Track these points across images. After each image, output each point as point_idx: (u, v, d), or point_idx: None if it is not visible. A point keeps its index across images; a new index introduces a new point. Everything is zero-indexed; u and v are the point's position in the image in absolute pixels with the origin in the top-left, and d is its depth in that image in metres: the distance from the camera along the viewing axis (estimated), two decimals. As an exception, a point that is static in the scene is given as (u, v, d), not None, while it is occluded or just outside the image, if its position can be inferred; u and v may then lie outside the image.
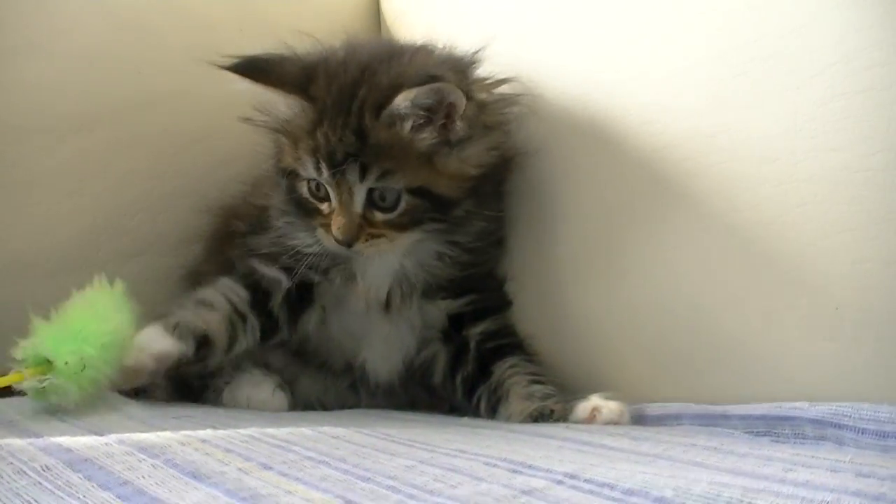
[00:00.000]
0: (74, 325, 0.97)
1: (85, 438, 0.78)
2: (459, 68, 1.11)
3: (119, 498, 0.60)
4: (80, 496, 0.61)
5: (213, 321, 1.12)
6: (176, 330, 1.08)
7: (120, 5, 1.37)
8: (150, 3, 1.40)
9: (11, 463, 0.69)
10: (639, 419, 0.99)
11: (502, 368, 1.11)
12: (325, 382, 1.22)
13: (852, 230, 0.86)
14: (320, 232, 1.10)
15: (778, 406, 0.89)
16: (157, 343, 1.06)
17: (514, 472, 0.68)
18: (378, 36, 1.54)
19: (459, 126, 1.05)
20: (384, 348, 1.18)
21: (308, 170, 1.08)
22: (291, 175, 1.11)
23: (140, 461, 0.69)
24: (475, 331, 1.16)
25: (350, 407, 1.19)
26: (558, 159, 1.16)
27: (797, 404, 0.87)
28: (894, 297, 0.85)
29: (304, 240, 1.13)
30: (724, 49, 0.97)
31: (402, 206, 1.07)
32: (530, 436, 0.87)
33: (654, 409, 0.99)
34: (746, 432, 0.88)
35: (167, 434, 0.81)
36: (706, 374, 0.99)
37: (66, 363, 0.91)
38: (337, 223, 1.07)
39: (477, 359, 1.14)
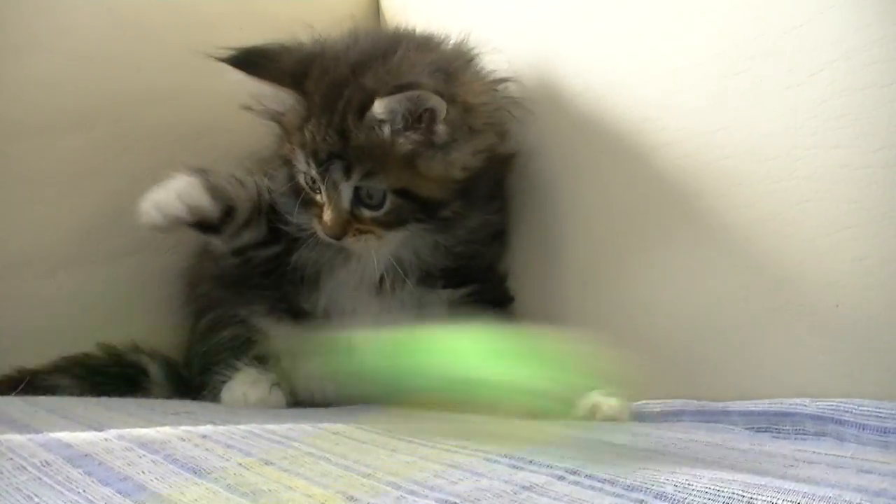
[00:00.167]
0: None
1: (84, 434, 0.78)
2: (450, 69, 1.10)
3: (119, 493, 0.60)
4: (81, 491, 0.61)
5: (242, 198, 1.14)
6: (212, 190, 1.10)
7: (120, 3, 1.37)
8: (150, 1, 1.40)
9: (11, 459, 0.69)
10: (639, 416, 0.99)
11: None
12: (323, 371, 1.21)
13: (852, 227, 0.86)
14: (315, 222, 1.11)
15: (779, 402, 0.88)
16: (197, 197, 1.08)
17: (515, 467, 0.68)
18: (382, 27, 1.53)
19: (442, 130, 1.05)
20: (374, 327, 1.18)
21: (300, 163, 1.09)
22: (289, 163, 1.12)
23: (140, 457, 0.69)
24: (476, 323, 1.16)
25: (348, 397, 1.19)
26: (560, 157, 1.16)
27: (798, 400, 0.87)
28: (894, 295, 0.85)
29: (305, 222, 1.15)
30: (725, 47, 0.96)
31: (388, 205, 1.08)
32: (531, 432, 0.86)
33: (654, 405, 0.99)
34: (747, 429, 0.88)
35: (167, 429, 0.81)
36: (706, 371, 0.99)
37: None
38: (326, 217, 1.08)
39: None
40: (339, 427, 0.85)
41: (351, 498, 0.59)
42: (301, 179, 1.11)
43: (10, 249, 1.28)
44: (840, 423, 0.82)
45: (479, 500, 0.59)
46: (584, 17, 1.14)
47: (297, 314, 1.22)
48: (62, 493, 0.61)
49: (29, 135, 1.29)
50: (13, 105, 1.28)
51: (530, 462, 0.69)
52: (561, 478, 0.65)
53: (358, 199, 1.07)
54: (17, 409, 0.95)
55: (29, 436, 0.78)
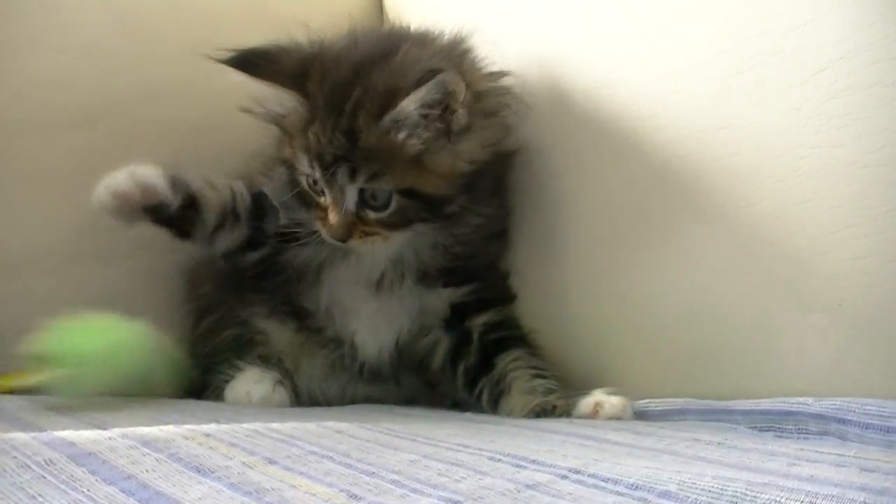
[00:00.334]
0: (82, 331, 0.97)
1: (88, 432, 0.78)
2: (452, 57, 1.10)
3: (123, 492, 0.60)
4: (85, 490, 0.61)
5: (210, 197, 1.13)
6: (172, 179, 1.09)
7: (120, 1, 1.37)
8: (150, -4, 1.41)
9: (15, 457, 0.69)
10: (641, 414, 0.99)
11: (505, 361, 1.11)
12: (323, 364, 1.22)
13: (856, 226, 0.86)
14: (318, 224, 1.11)
15: (782, 401, 0.89)
16: (149, 176, 1.07)
17: (518, 466, 0.68)
18: (380, 26, 1.52)
19: (461, 114, 1.04)
20: (373, 325, 1.18)
21: (303, 166, 1.08)
22: (291, 166, 1.11)
23: (144, 455, 0.69)
24: (478, 321, 1.16)
25: (350, 398, 1.19)
26: (562, 155, 1.16)
27: (801, 399, 0.87)
28: (897, 294, 0.85)
29: (306, 219, 1.14)
30: (727, 45, 0.96)
31: (393, 206, 1.07)
32: (533, 430, 0.87)
33: (656, 404, 0.99)
34: (750, 427, 0.89)
35: (170, 428, 0.81)
36: (710, 369, 0.99)
37: (67, 359, 0.91)
38: (331, 220, 1.08)
39: (479, 350, 1.14)
40: (342, 426, 0.85)
41: (354, 496, 0.59)
42: (303, 181, 1.10)
43: (12, 247, 1.28)
44: (843, 422, 0.83)
45: (482, 498, 0.59)
46: (586, 16, 1.14)
47: (298, 314, 1.22)
48: (66, 492, 0.61)
49: (31, 132, 1.29)
50: (15, 102, 1.28)
51: (533, 461, 0.69)
52: (564, 476, 0.65)
53: (363, 200, 1.06)
54: (19, 407, 0.95)
55: (32, 434, 0.78)
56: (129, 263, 1.31)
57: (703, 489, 0.60)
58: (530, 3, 1.24)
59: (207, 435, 0.77)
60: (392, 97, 1.02)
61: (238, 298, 1.23)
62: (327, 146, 1.04)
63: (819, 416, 0.85)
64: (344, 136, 1.03)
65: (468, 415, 1.07)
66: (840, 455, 0.73)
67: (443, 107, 1.03)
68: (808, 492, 0.60)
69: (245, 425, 0.82)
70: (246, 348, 1.21)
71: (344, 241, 1.08)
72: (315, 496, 0.59)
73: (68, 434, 0.77)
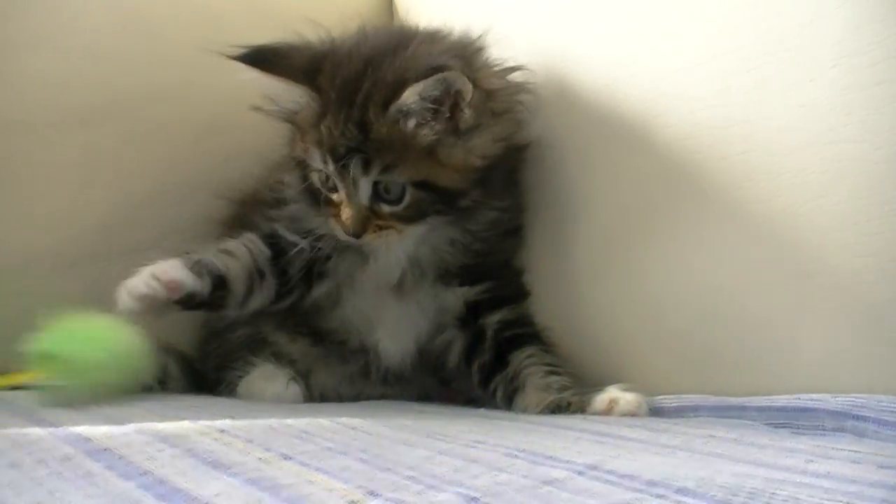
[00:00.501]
0: (86, 327, 0.96)
1: (103, 428, 0.78)
2: (465, 55, 1.10)
3: (140, 487, 0.60)
4: (101, 486, 0.61)
5: (233, 267, 1.12)
6: (195, 266, 1.07)
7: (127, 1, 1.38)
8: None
9: (31, 452, 0.69)
10: (656, 411, 0.99)
11: (519, 358, 1.11)
12: (340, 373, 1.22)
13: (868, 222, 0.86)
14: (332, 222, 1.10)
15: (797, 398, 0.88)
16: (172, 272, 1.05)
17: (534, 463, 0.68)
18: (391, 23, 1.52)
19: (467, 114, 1.04)
20: (396, 330, 1.18)
21: (316, 161, 1.08)
22: (302, 164, 1.11)
23: (160, 451, 0.69)
24: (492, 319, 1.16)
25: (366, 397, 1.19)
26: (575, 151, 1.16)
27: (817, 396, 0.87)
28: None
29: (318, 224, 1.14)
30: (738, 41, 0.96)
31: (408, 199, 1.07)
32: (548, 427, 0.86)
33: (671, 400, 0.99)
34: (765, 424, 0.88)
35: (186, 424, 0.81)
36: (724, 366, 0.99)
37: (72, 361, 0.90)
38: (345, 215, 1.07)
39: (494, 347, 1.14)
40: (357, 422, 0.85)
41: (372, 492, 0.59)
42: (315, 179, 1.10)
43: (25, 245, 1.28)
44: (859, 418, 0.82)
45: (500, 494, 0.59)
46: (596, 12, 1.14)
47: (315, 332, 1.22)
48: (83, 487, 0.61)
49: (41, 131, 1.29)
50: (21, 102, 1.29)
51: (549, 457, 0.69)
52: (581, 473, 0.65)
53: (376, 194, 1.06)
54: (34, 402, 0.95)
55: (48, 429, 0.78)
56: (144, 260, 1.31)
57: (720, 485, 0.60)
58: (539, 0, 1.23)
59: (222, 431, 0.77)
60: (398, 88, 1.02)
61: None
62: (340, 138, 1.04)
63: (835, 413, 0.84)
64: (356, 128, 1.03)
65: (482, 411, 1.07)
66: (857, 452, 0.73)
67: (451, 103, 1.03)
68: (826, 488, 0.60)
69: (260, 421, 0.82)
70: (259, 346, 1.22)
71: (358, 236, 1.07)
72: (332, 492, 0.59)
73: (84, 429, 0.77)
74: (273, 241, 1.17)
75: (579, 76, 1.15)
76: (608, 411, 0.98)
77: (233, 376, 1.20)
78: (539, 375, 1.08)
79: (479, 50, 1.13)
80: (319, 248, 1.14)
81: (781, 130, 0.92)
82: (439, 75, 1.00)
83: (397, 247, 1.12)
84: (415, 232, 1.10)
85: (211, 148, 1.41)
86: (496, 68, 1.13)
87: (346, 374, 1.22)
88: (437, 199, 1.08)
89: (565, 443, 0.76)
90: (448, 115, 1.04)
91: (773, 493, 0.58)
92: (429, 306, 1.17)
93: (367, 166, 1.04)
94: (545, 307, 1.19)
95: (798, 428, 0.86)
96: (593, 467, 0.66)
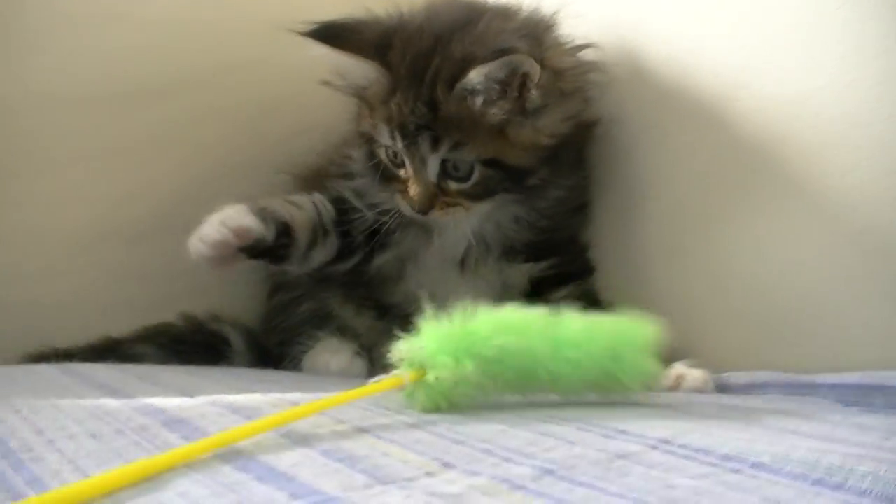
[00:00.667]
0: (466, 333, 0.81)
1: (176, 400, 0.80)
2: (535, 34, 1.09)
3: (218, 458, 0.61)
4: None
5: (297, 217, 1.13)
6: (260, 212, 1.08)
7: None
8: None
9: (109, 423, 0.70)
10: (724, 387, 0.98)
11: None
12: None
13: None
14: (398, 198, 1.11)
15: (868, 375, 0.87)
16: (239, 219, 1.06)
17: (607, 437, 0.67)
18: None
19: (534, 95, 1.04)
20: (461, 306, 1.17)
21: (384, 137, 1.08)
22: (370, 140, 1.12)
23: (234, 422, 0.70)
24: (557, 295, 1.14)
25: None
26: (645, 125, 1.15)
27: (890, 373, 0.85)
28: None
29: (384, 199, 1.14)
30: (817, 11, 0.94)
31: (476, 176, 1.07)
32: (619, 402, 0.86)
33: (739, 377, 0.98)
34: (836, 401, 0.87)
35: (257, 396, 0.82)
36: (793, 342, 0.98)
37: (437, 378, 0.77)
38: (412, 191, 1.08)
39: None
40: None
41: (447, 464, 0.59)
42: (383, 155, 1.11)
43: (99, 220, 1.30)
44: (933, 397, 0.81)
45: (575, 467, 0.59)
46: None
47: (380, 307, 1.22)
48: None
49: (113, 105, 1.31)
50: (98, 75, 1.30)
51: (622, 431, 0.69)
52: (654, 447, 0.64)
53: (444, 171, 1.07)
54: (107, 375, 0.97)
55: (123, 400, 0.79)
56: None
57: (797, 461, 0.59)
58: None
59: (294, 403, 0.77)
60: (466, 66, 1.02)
61: (316, 281, 1.24)
62: (409, 115, 1.04)
63: (910, 391, 0.83)
64: (425, 106, 1.04)
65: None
66: (934, 429, 0.72)
67: (519, 83, 1.03)
68: (908, 464, 0.59)
69: (330, 394, 0.82)
70: (324, 321, 1.23)
71: (425, 212, 1.08)
72: (408, 464, 0.59)
73: (157, 401, 0.79)
74: (339, 204, 1.17)
75: (652, 51, 1.14)
76: (675, 387, 0.97)
77: (297, 351, 1.21)
78: (604, 351, 1.07)
79: (550, 27, 1.12)
80: (384, 222, 1.14)
81: (861, 101, 0.90)
82: (505, 58, 1.00)
83: (463, 223, 1.12)
84: (481, 209, 1.10)
85: (278, 124, 1.41)
86: (566, 46, 1.12)
87: None
88: (505, 177, 1.08)
89: (637, 417, 0.76)
90: (516, 94, 1.04)
91: (851, 469, 0.58)
92: (493, 282, 1.17)
93: (435, 144, 1.04)
94: (612, 283, 1.18)
95: (870, 406, 0.84)
96: (666, 441, 0.65)
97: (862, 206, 0.91)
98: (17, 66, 1.23)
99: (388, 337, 1.17)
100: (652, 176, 1.14)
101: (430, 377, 0.76)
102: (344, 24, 1.09)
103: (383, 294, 1.21)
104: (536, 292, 1.15)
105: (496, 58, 1.00)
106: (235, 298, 1.35)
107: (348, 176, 1.19)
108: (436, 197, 1.08)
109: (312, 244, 1.14)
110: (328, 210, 1.16)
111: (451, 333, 0.80)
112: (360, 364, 1.16)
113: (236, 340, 1.28)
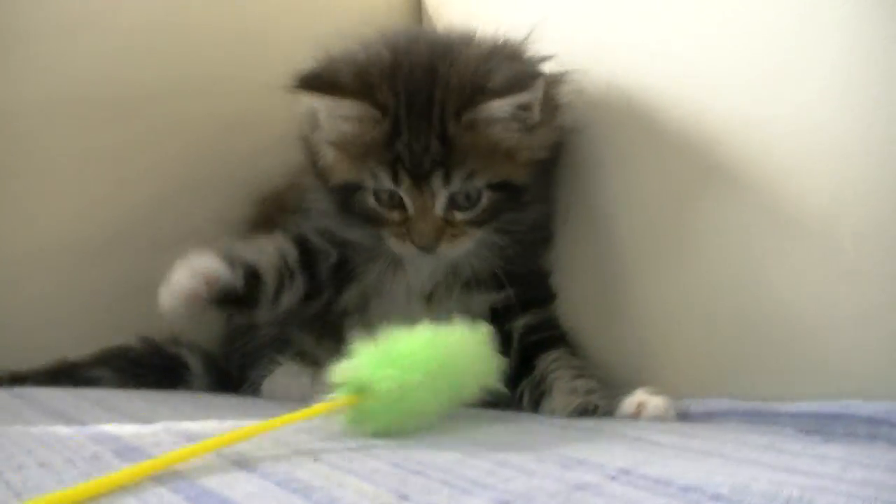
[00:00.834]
0: (400, 351, 0.85)
1: (131, 427, 0.78)
2: (518, 56, 1.10)
3: (171, 491, 0.60)
4: (132, 486, 0.61)
5: (263, 261, 1.11)
6: (227, 257, 1.07)
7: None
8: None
9: (60, 452, 0.69)
10: (684, 415, 0.97)
11: (545, 362, 1.10)
12: None
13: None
14: (393, 241, 1.09)
15: (829, 404, 0.87)
16: (208, 263, 1.04)
17: (566, 467, 0.67)
18: (407, 26, 1.50)
19: (536, 112, 1.06)
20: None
21: (382, 182, 1.06)
22: (349, 189, 1.10)
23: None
24: (518, 324, 1.14)
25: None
26: (607, 146, 1.14)
27: (850, 402, 0.85)
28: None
29: (359, 237, 1.13)
30: (780, 36, 0.94)
31: (484, 202, 1.07)
32: (578, 430, 0.86)
33: (700, 405, 0.98)
34: (797, 430, 0.87)
35: (213, 423, 0.81)
36: (756, 369, 0.97)
37: (383, 390, 0.79)
38: (419, 231, 1.06)
39: (519, 352, 1.12)
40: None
41: (403, 496, 0.58)
42: (370, 200, 1.09)
43: (50, 235, 1.29)
44: (894, 425, 0.81)
45: (533, 498, 0.58)
46: (631, 6, 1.13)
47: (342, 339, 1.21)
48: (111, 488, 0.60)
49: (75, 123, 1.31)
50: (56, 94, 1.29)
51: (581, 461, 0.68)
52: (613, 478, 0.64)
53: (450, 202, 1.06)
54: (61, 400, 0.96)
55: (76, 428, 0.78)
56: (170, 256, 1.29)
57: (756, 493, 0.59)
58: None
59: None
60: (475, 95, 1.02)
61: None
62: (424, 154, 1.03)
63: (869, 419, 0.83)
64: (439, 141, 1.03)
65: (510, 413, 1.06)
66: (894, 460, 0.72)
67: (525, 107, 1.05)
68: (866, 497, 0.59)
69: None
70: (284, 346, 1.21)
71: (433, 248, 1.07)
72: (363, 495, 0.59)
73: (112, 428, 0.78)
74: (302, 243, 1.16)
75: (612, 70, 1.13)
76: (636, 415, 0.97)
77: (257, 375, 1.19)
78: (565, 379, 1.07)
79: (525, 50, 1.12)
80: (349, 258, 1.14)
81: (822, 128, 0.90)
82: (535, 85, 1.03)
83: (459, 250, 1.11)
84: (480, 233, 1.10)
85: (237, 143, 1.41)
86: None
87: None
88: (510, 198, 1.09)
89: (596, 446, 0.75)
90: (525, 115, 1.05)
91: (811, 501, 0.57)
92: (456, 314, 1.16)
93: (447, 178, 1.04)
94: (574, 308, 1.18)
95: (830, 435, 0.84)
96: (626, 472, 0.65)
97: (827, 231, 0.90)
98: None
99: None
100: (613, 199, 1.13)
101: (379, 388, 0.78)
102: (326, 68, 1.07)
103: (346, 327, 1.19)
104: (498, 321, 1.14)
105: (524, 86, 1.02)
106: (195, 321, 1.34)
107: (309, 213, 1.18)
108: (443, 231, 1.07)
109: (280, 288, 1.12)
110: (291, 251, 1.14)
111: (387, 353, 0.83)
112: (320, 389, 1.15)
113: (195, 364, 1.27)
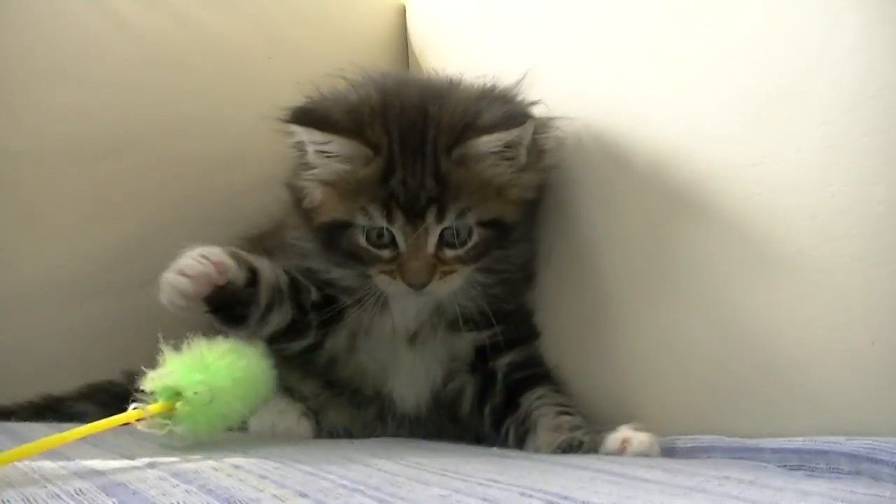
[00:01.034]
0: (206, 358, 0.93)
1: (116, 462, 0.78)
2: (509, 100, 1.12)
3: None
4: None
5: (266, 272, 1.10)
6: (233, 256, 1.06)
7: (148, 32, 1.39)
8: (178, 30, 1.42)
9: (45, 486, 0.69)
10: (668, 451, 0.98)
11: (530, 400, 1.10)
12: (352, 412, 1.20)
13: (890, 264, 0.86)
14: (382, 279, 1.09)
15: (812, 440, 0.88)
16: (217, 254, 1.03)
17: (551, 503, 0.67)
18: (392, 69, 1.50)
19: (523, 153, 1.08)
20: (410, 378, 1.17)
21: (375, 220, 1.06)
22: (337, 227, 1.09)
23: (174, 486, 0.69)
24: (502, 362, 1.15)
25: (377, 436, 1.18)
26: (590, 188, 1.16)
27: (832, 438, 0.86)
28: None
29: (343, 276, 1.13)
30: (759, 82, 0.96)
31: (475, 239, 1.08)
32: (562, 466, 0.86)
33: (684, 441, 0.98)
34: (780, 466, 0.87)
35: (198, 459, 0.81)
36: (739, 406, 0.98)
37: (195, 393, 0.87)
38: (411, 269, 1.06)
39: (504, 390, 1.13)
40: (370, 459, 0.85)
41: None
42: (360, 239, 1.08)
43: (38, 276, 1.29)
44: (875, 461, 0.81)
45: (518, 536, 0.58)
46: (616, 49, 1.15)
47: (329, 382, 1.21)
48: (97, 522, 0.61)
49: (56, 163, 1.32)
50: (42, 133, 1.31)
51: (566, 498, 0.68)
52: (599, 514, 0.64)
53: (441, 240, 1.06)
54: (46, 435, 0.95)
55: (61, 463, 0.78)
56: (151, 294, 1.30)
57: (741, 529, 0.59)
58: (556, 36, 1.24)
59: (236, 467, 0.77)
60: (466, 132, 1.04)
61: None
62: (420, 191, 1.04)
63: (851, 456, 0.83)
64: (433, 179, 1.04)
65: (495, 449, 1.06)
66: (876, 496, 0.73)
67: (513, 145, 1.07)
68: (848, 533, 0.60)
69: (273, 456, 0.81)
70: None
71: (425, 286, 1.07)
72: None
73: (97, 463, 0.78)
74: (289, 274, 1.15)
75: (598, 116, 1.15)
76: (621, 451, 0.98)
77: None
78: (550, 416, 1.07)
79: (516, 94, 1.13)
80: (335, 301, 1.13)
81: (804, 170, 0.92)
82: (525, 125, 1.05)
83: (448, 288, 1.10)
84: (470, 271, 1.10)
85: (224, 182, 1.42)
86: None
87: (360, 417, 1.20)
88: (500, 236, 1.09)
89: (580, 483, 0.76)
90: (513, 154, 1.07)
91: (794, 537, 0.58)
92: (440, 353, 1.17)
93: (441, 214, 1.04)
94: (557, 345, 1.18)
95: (813, 470, 0.85)
96: (611, 508, 0.65)
97: (806, 271, 0.92)
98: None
99: (337, 402, 1.19)
100: (595, 239, 1.15)
101: (188, 393, 0.86)
102: (318, 104, 1.09)
103: (332, 368, 1.19)
104: (482, 359, 1.15)
105: (513, 123, 1.03)
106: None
107: (292, 253, 1.17)
108: (435, 268, 1.07)
109: (271, 305, 1.10)
110: (283, 276, 1.13)
111: (195, 360, 0.91)
112: (306, 425, 1.15)
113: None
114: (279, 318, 1.12)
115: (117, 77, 1.35)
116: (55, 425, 1.04)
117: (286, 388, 1.18)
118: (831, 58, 0.90)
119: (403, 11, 1.65)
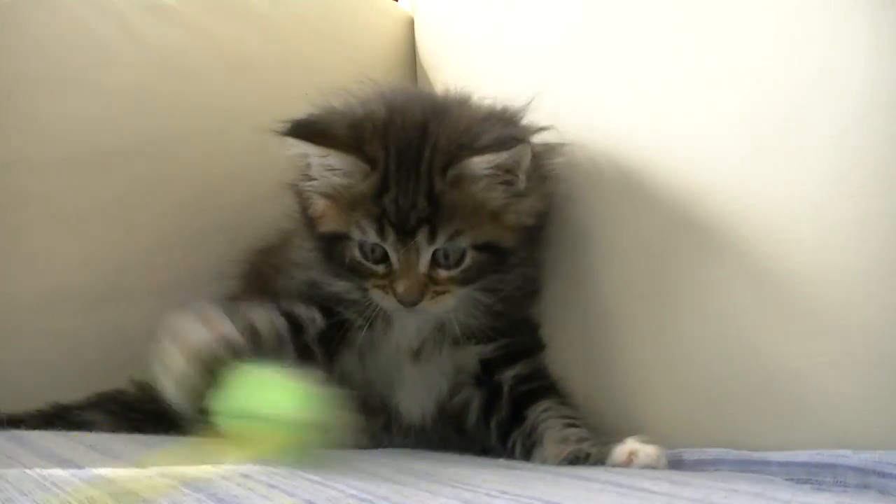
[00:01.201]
0: (266, 380, 0.90)
1: (127, 471, 0.78)
2: (513, 121, 1.12)
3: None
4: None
5: (261, 321, 1.07)
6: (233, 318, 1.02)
7: (158, 42, 1.40)
8: (189, 40, 1.42)
9: (57, 494, 0.69)
10: (675, 463, 0.98)
11: (536, 412, 1.10)
12: (360, 427, 1.20)
13: (892, 276, 0.86)
14: (376, 293, 1.09)
15: (819, 453, 0.88)
16: (222, 323, 1.00)
17: (559, 514, 0.67)
18: (403, 83, 1.51)
19: (522, 178, 1.06)
20: (416, 392, 1.17)
21: (368, 235, 1.06)
22: (336, 238, 1.10)
23: (185, 495, 0.69)
24: (508, 374, 1.15)
25: (384, 447, 1.18)
26: (596, 203, 1.17)
27: (840, 452, 0.86)
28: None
29: (344, 289, 1.13)
30: (765, 101, 0.97)
31: (468, 261, 1.07)
32: (569, 478, 0.86)
33: (691, 453, 0.98)
34: (787, 479, 0.87)
35: (208, 468, 0.81)
36: (745, 419, 0.98)
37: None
38: (403, 286, 1.06)
39: (510, 402, 1.13)
40: (379, 469, 0.85)
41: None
42: (356, 252, 1.08)
43: (48, 284, 1.29)
44: (883, 475, 0.81)
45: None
46: (621, 72, 1.16)
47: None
48: (109, 530, 0.61)
49: (68, 171, 1.32)
50: (51, 141, 1.31)
51: (573, 509, 0.69)
52: (606, 525, 0.64)
53: (434, 260, 1.06)
54: (56, 444, 0.96)
55: (72, 471, 0.78)
56: (165, 301, 1.30)
57: (747, 540, 0.60)
58: (565, 56, 1.25)
59: (245, 476, 0.77)
60: (462, 153, 1.04)
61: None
62: (410, 210, 1.03)
63: (858, 469, 0.83)
64: (426, 199, 1.03)
65: (502, 460, 1.06)
66: (883, 509, 0.73)
67: (514, 169, 1.05)
68: (855, 546, 0.60)
69: (281, 466, 0.81)
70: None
71: (415, 304, 1.06)
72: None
73: (107, 472, 0.78)
74: (288, 313, 1.12)
75: (605, 143, 1.16)
76: (628, 463, 0.97)
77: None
78: (557, 428, 1.07)
79: (521, 116, 1.13)
80: (337, 318, 1.13)
81: (803, 184, 0.92)
82: (519, 147, 1.03)
83: (442, 308, 1.10)
84: (465, 293, 1.10)
85: (235, 191, 1.42)
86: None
87: (367, 428, 1.20)
88: (495, 260, 1.09)
89: (588, 494, 0.76)
90: (510, 179, 1.06)
91: (801, 549, 0.58)
92: (447, 367, 1.17)
93: (432, 235, 1.04)
94: (563, 358, 1.19)
95: (821, 484, 0.85)
96: (619, 520, 0.66)
97: (810, 285, 0.92)
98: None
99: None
100: (601, 253, 1.15)
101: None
102: (319, 118, 1.09)
103: (338, 384, 1.18)
104: (487, 373, 1.15)
105: (506, 145, 1.02)
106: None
107: (300, 267, 1.18)
108: (426, 287, 1.06)
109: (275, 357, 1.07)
110: (280, 323, 1.10)
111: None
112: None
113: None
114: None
115: (128, 86, 1.36)
116: (66, 433, 1.05)
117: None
118: (839, 70, 0.91)
119: (412, 24, 1.65)
